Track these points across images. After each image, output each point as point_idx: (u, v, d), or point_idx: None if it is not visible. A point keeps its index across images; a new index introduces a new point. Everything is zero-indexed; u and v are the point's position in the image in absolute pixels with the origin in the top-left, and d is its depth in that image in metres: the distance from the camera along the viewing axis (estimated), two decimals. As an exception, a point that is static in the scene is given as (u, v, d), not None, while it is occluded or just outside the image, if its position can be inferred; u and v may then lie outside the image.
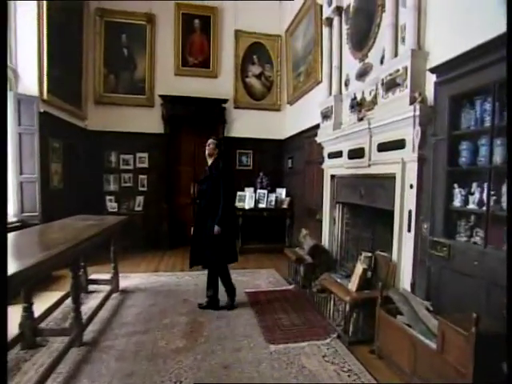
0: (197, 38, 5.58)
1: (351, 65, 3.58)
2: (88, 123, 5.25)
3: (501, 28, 1.79)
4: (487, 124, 2.06)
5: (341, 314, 2.79)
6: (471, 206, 2.15)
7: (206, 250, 3.06)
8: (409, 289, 2.60)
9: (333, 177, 4.07)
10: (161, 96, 5.47)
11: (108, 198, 5.40)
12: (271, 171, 6.12)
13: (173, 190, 5.80)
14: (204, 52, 5.63)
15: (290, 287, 3.93)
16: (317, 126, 4.57)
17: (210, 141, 3.22)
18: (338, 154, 3.80)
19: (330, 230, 4.16)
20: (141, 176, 5.59)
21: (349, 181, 3.70)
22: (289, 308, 3.25)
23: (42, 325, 2.47)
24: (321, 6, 4.29)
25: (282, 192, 5.93)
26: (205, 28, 5.58)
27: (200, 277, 4.10)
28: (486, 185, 2.06)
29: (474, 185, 2.16)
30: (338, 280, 3.77)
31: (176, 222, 5.78)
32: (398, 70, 2.64)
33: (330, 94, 4.06)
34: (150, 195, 5.60)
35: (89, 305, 3.04)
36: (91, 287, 3.45)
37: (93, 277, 3.60)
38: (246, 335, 2.62)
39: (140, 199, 5.54)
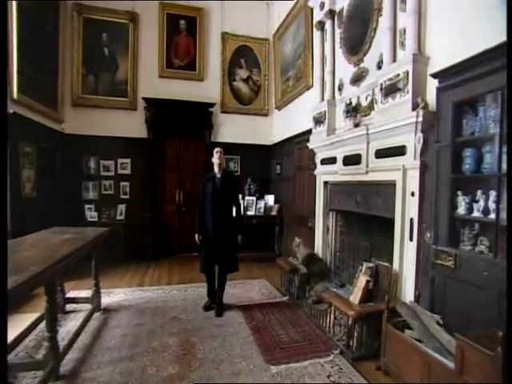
0: (182, 40, 5.37)
1: (345, 69, 3.51)
2: (65, 126, 4.86)
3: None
4: (492, 131, 2.03)
5: (343, 328, 2.66)
6: (476, 213, 2.10)
7: (226, 254, 3.25)
8: (413, 299, 2.52)
9: (326, 183, 3.98)
10: (144, 99, 5.20)
11: (87, 206, 5.03)
12: (259, 177, 5.97)
13: (157, 198, 5.51)
14: (190, 54, 5.43)
15: (284, 299, 3.77)
16: (307, 132, 4.49)
17: (220, 149, 3.27)
18: (332, 161, 3.70)
19: (324, 238, 4.05)
20: (123, 183, 5.26)
21: (343, 188, 3.60)
22: (285, 322, 3.08)
23: (10, 356, 2.14)
24: (311, 10, 4.23)
25: (270, 199, 5.79)
26: (190, 29, 5.39)
27: (188, 290, 3.88)
28: (491, 192, 2.02)
29: (479, 192, 2.12)
30: (334, 290, 3.69)
31: (161, 231, 5.49)
32: (399, 75, 2.57)
33: (323, 99, 3.98)
34: (133, 203, 5.28)
35: (67, 327, 2.74)
36: (69, 306, 3.12)
37: (71, 294, 3.28)
38: (244, 356, 2.42)
39: (122, 208, 5.20)
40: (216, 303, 3.25)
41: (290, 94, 5.20)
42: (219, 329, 2.86)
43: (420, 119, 2.37)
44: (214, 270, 3.31)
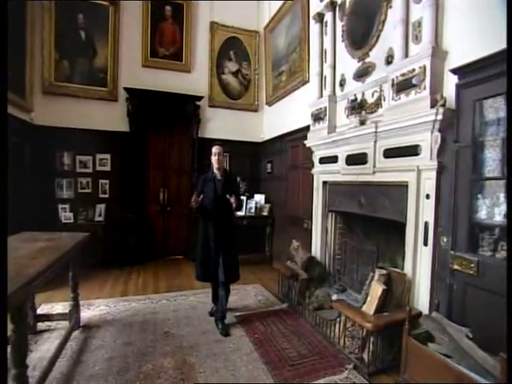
0: (168, 27, 4.95)
1: (348, 64, 3.32)
2: (34, 116, 4.30)
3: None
4: None
5: (356, 340, 2.48)
6: (497, 218, 1.98)
7: (228, 263, 2.94)
8: (427, 308, 2.38)
9: (325, 183, 3.79)
10: (126, 89, 4.74)
11: (61, 206, 4.51)
12: (249, 176, 5.71)
13: (140, 197, 5.08)
14: (176, 43, 5.03)
15: (284, 306, 3.54)
16: (303, 129, 4.29)
17: (219, 149, 2.99)
18: (333, 159, 3.53)
19: (322, 240, 3.87)
20: (102, 181, 4.77)
21: (345, 188, 3.43)
22: (289, 333, 2.86)
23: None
24: (308, 1, 4.01)
25: (260, 198, 5.55)
26: (177, 16, 4.98)
27: (178, 300, 3.57)
28: None
29: (501, 196, 1.99)
30: (335, 296, 3.52)
31: (144, 232, 5.09)
32: (414, 70, 2.41)
33: (321, 94, 3.78)
34: (113, 203, 4.82)
35: (39, 352, 2.34)
36: (42, 324, 2.70)
37: (43, 310, 2.85)
38: (251, 377, 2.16)
39: (101, 207, 4.73)
40: (218, 319, 2.90)
41: (282, 89, 4.96)
42: (219, 345, 2.58)
43: (440, 117, 2.22)
44: (216, 276, 2.94)
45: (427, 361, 1.93)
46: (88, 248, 4.08)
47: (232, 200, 2.79)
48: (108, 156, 4.81)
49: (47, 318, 2.73)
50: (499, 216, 1.97)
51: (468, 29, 2.16)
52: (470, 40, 2.14)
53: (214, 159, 2.95)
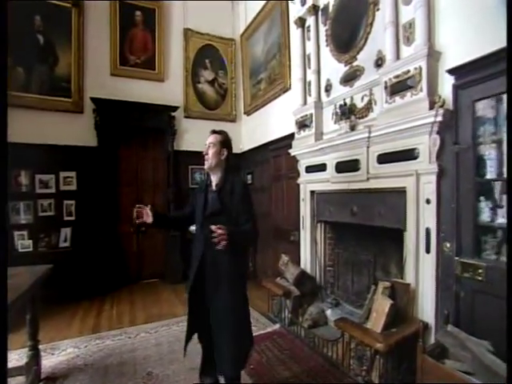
0: (139, 34, 4.64)
1: (333, 68, 3.22)
2: (-16, 132, 3.78)
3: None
4: None
5: (364, 361, 2.26)
6: (500, 220, 1.92)
7: (225, 342, 1.73)
8: (433, 319, 2.23)
9: (313, 193, 3.62)
10: (93, 99, 4.33)
11: (17, 233, 3.92)
12: (228, 189, 5.44)
13: (110, 217, 4.61)
14: (147, 50, 4.71)
15: (276, 327, 3.28)
16: (285, 138, 4.15)
17: (212, 137, 1.87)
18: (321, 168, 3.37)
19: (312, 252, 3.67)
20: (67, 202, 4.25)
21: (336, 197, 3.27)
22: (287, 359, 2.60)
23: None
24: (287, 6, 3.93)
25: (242, 211, 5.27)
26: (148, 22, 4.68)
27: (159, 331, 3.17)
28: None
29: (503, 197, 1.94)
30: (329, 310, 3.32)
31: (116, 256, 4.61)
32: (409, 71, 2.32)
33: (305, 101, 3.65)
34: (81, 225, 4.31)
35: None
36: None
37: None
38: (255, 422, 1.86)
39: (66, 232, 4.20)
40: None
41: (261, 98, 4.81)
42: None
43: (439, 119, 2.13)
44: (208, 334, 1.82)
45: (447, 380, 1.75)
46: (52, 278, 3.61)
47: (218, 231, 1.54)
48: (73, 174, 4.31)
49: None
50: (502, 218, 1.92)
51: (461, 29, 2.11)
52: (463, 40, 2.10)
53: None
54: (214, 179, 1.87)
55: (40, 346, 2.31)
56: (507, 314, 1.14)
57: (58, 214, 4.21)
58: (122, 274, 4.67)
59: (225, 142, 1.87)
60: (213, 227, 1.54)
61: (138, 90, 4.68)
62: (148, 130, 4.83)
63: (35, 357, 2.19)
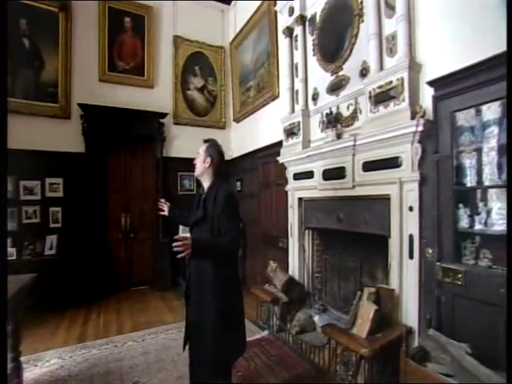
0: (128, 40, 4.64)
1: (320, 78, 3.29)
2: (-33, 137, 3.70)
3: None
4: (492, 141, 1.96)
5: (350, 366, 2.29)
6: (478, 226, 2.00)
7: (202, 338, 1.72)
8: (417, 323, 2.29)
9: (300, 200, 3.67)
10: (81, 105, 4.29)
11: (0, 241, 3.85)
12: (218, 195, 5.44)
13: (98, 224, 4.55)
14: (137, 57, 4.72)
15: (264, 334, 3.29)
16: (274, 145, 4.20)
17: (200, 147, 1.92)
18: (308, 175, 3.42)
19: (300, 259, 3.70)
20: (52, 208, 4.19)
21: (323, 204, 3.32)
22: (275, 365, 2.62)
23: None
24: (276, 15, 4.01)
25: (231, 217, 5.27)
26: (138, 28, 4.69)
27: (147, 339, 3.14)
28: (493, 204, 1.95)
29: (481, 204, 2.02)
30: (317, 316, 3.35)
31: (103, 263, 4.54)
32: (391, 82, 2.40)
33: (293, 109, 3.71)
34: (67, 233, 4.24)
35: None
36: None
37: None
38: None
39: (52, 239, 4.12)
40: None
41: (251, 105, 4.86)
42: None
43: (420, 128, 2.20)
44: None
45: (428, 382, 1.79)
46: (37, 288, 3.53)
47: (183, 241, 1.48)
48: (60, 180, 4.25)
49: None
50: (479, 224, 2.00)
51: (441, 42, 2.20)
52: (442, 54, 2.19)
53: None
54: (205, 186, 1.90)
55: (22, 358, 2.26)
56: (507, 315, 1.17)
57: (43, 221, 4.15)
58: (109, 282, 4.60)
59: (209, 150, 1.89)
60: (176, 236, 1.52)
61: (127, 97, 4.68)
62: (137, 136, 4.82)
63: (16, 369, 2.12)
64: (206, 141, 1.97)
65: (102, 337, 3.19)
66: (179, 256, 1.49)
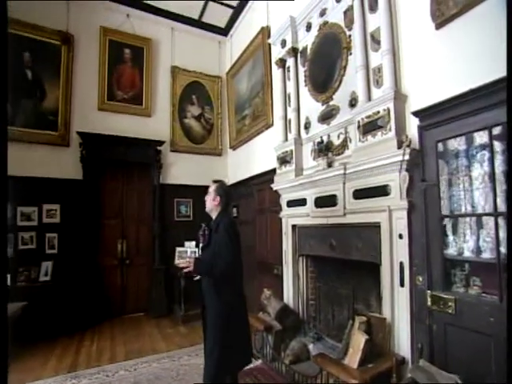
0: (127, 70, 4.84)
1: (312, 107, 3.42)
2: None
3: (488, 76, 1.79)
4: (477, 169, 2.00)
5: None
6: (467, 254, 2.02)
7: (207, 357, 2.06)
8: (409, 353, 2.26)
9: (294, 227, 3.68)
10: (80, 133, 4.41)
11: (-6, 268, 3.82)
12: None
13: (94, 250, 4.55)
14: (135, 86, 4.90)
15: (258, 363, 3.21)
16: (268, 172, 4.24)
17: (210, 186, 2.28)
18: (301, 202, 3.47)
19: (295, 286, 3.66)
20: (49, 234, 4.20)
21: (316, 231, 3.33)
22: (271, 400, 2.53)
23: None
24: (270, 47, 4.21)
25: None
26: (137, 59, 4.90)
27: (139, 368, 3.08)
28: (481, 231, 1.96)
29: (468, 232, 2.04)
30: (311, 345, 3.28)
31: (98, 290, 4.50)
32: (378, 112, 2.50)
33: (286, 138, 3.81)
34: (63, 259, 4.23)
35: None
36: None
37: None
38: None
39: (47, 265, 4.10)
40: None
41: (246, 133, 4.99)
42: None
43: (407, 157, 2.27)
44: None
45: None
46: (29, 315, 3.49)
47: (181, 263, 2.10)
48: (57, 206, 4.30)
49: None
50: (468, 252, 2.01)
51: (424, 74, 2.30)
52: (427, 84, 2.28)
53: None
54: (213, 218, 2.24)
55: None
56: (507, 316, 1.21)
57: (39, 247, 4.15)
58: (104, 309, 4.53)
59: (218, 190, 2.22)
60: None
61: (125, 125, 4.81)
62: (134, 163, 4.91)
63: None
64: (215, 181, 2.32)
65: (94, 365, 3.13)
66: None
